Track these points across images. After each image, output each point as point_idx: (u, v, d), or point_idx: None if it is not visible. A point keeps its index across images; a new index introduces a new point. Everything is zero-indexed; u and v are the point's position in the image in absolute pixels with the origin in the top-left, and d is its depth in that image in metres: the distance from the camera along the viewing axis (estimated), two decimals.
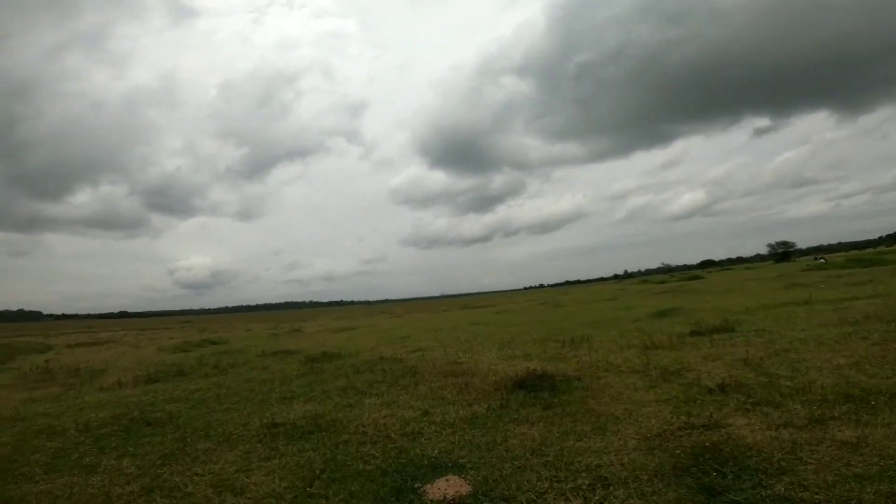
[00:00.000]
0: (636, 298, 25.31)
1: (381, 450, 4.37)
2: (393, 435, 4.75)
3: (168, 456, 4.56)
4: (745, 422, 4.17)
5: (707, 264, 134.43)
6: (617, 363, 7.25)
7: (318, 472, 3.91)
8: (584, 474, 3.47)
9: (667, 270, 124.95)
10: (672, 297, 23.04)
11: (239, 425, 5.56)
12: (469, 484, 3.49)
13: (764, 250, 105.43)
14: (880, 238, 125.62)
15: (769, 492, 2.93)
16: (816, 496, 2.82)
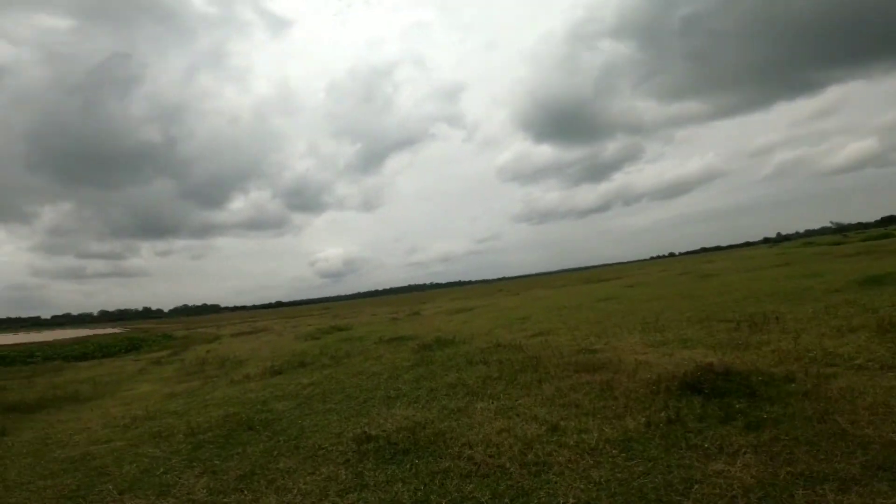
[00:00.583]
0: (819, 263, 19.85)
1: (490, 489, 3.06)
2: (508, 464, 3.39)
3: (246, 477, 3.87)
4: None
5: (890, 220, 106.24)
6: (844, 353, 4.85)
7: None
8: None
9: (837, 230, 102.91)
10: (872, 260, 17.43)
11: (332, 435, 4.77)
12: None
13: None
14: None
15: None
16: None
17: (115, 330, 59.62)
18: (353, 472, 3.66)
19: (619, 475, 3.03)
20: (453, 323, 16.74)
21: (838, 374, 4.23)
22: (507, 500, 2.91)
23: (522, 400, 4.97)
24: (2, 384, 12.20)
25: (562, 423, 4.07)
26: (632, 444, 3.46)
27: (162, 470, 4.24)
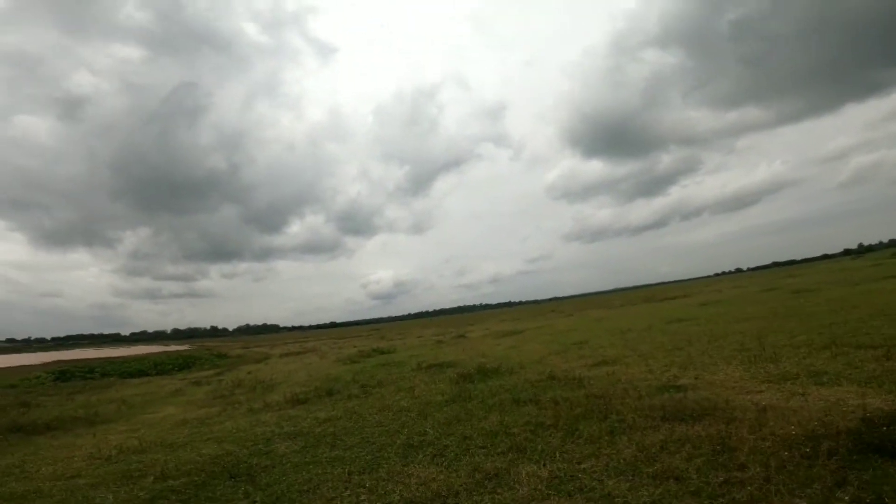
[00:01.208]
0: None
1: None
2: None
3: None
4: None
5: None
6: None
7: None
8: None
9: None
10: None
11: (323, 502, 3.50)
12: None
13: None
14: None
15: None
16: None
17: (183, 347, 62.87)
18: None
19: None
20: (500, 347, 15.15)
21: None
22: None
23: (588, 463, 3.45)
24: (40, 400, 12.18)
25: None
26: None
27: None
